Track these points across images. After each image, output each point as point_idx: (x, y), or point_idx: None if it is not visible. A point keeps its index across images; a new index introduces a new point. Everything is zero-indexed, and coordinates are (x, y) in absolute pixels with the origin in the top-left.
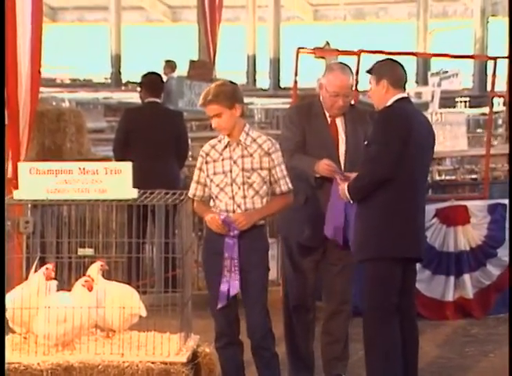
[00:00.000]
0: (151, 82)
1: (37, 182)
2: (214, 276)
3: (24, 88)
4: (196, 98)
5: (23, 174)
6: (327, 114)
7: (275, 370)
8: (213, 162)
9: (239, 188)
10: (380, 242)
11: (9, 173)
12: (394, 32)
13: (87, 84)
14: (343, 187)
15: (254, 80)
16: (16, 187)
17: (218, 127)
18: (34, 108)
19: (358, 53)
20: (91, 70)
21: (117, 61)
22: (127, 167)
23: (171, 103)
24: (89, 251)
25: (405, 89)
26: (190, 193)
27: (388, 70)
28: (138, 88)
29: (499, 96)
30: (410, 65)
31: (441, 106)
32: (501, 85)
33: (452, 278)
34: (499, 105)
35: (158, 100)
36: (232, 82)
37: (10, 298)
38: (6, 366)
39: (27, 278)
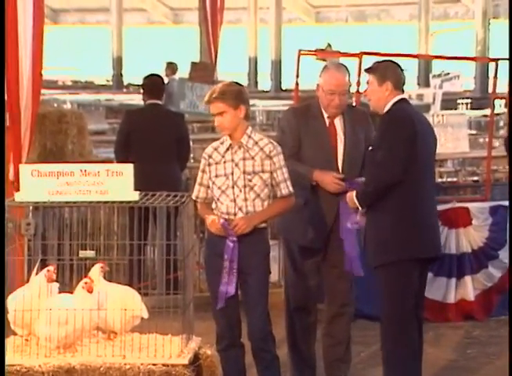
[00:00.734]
0: (152, 84)
1: (38, 184)
2: (214, 277)
3: (26, 89)
4: (197, 100)
5: (24, 176)
6: (325, 115)
7: (276, 373)
8: (215, 164)
9: (241, 191)
10: (400, 245)
11: (11, 175)
12: (396, 34)
13: (88, 86)
14: (350, 195)
15: (256, 82)
16: (18, 189)
17: (220, 126)
18: (35, 110)
19: (359, 55)
20: (92, 72)
21: (118, 63)
22: (128, 169)
23: (173, 105)
24: (91, 253)
25: (403, 91)
26: (193, 195)
27: (392, 72)
28: (141, 90)
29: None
30: (412, 67)
31: (443, 108)
32: (503, 87)
33: (453, 280)
34: (500, 107)
35: (159, 102)
36: (239, 84)
37: (12, 300)
38: (8, 368)
39: (28, 280)
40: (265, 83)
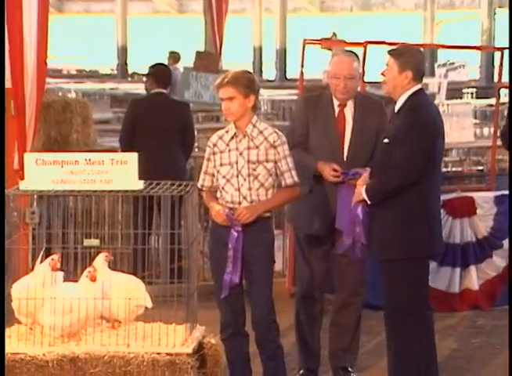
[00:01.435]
0: (160, 73)
1: (43, 172)
2: (219, 266)
3: (30, 79)
4: (202, 89)
5: (29, 165)
6: (336, 104)
7: (280, 362)
8: (220, 153)
9: (245, 180)
10: (406, 243)
11: (16, 164)
12: (401, 23)
13: (93, 75)
14: (359, 190)
15: (261, 71)
16: (22, 178)
17: (227, 111)
18: (40, 99)
19: (364, 44)
20: (97, 61)
21: (123, 52)
22: (133, 158)
23: (176, 94)
24: (95, 242)
25: (422, 81)
26: (199, 184)
27: (415, 62)
28: (145, 78)
29: (506, 87)
30: None
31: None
32: (508, 76)
33: (458, 269)
34: (505, 96)
35: (165, 91)
36: (251, 73)
37: (16, 288)
38: (12, 356)
39: (33, 269)
40: (269, 72)
